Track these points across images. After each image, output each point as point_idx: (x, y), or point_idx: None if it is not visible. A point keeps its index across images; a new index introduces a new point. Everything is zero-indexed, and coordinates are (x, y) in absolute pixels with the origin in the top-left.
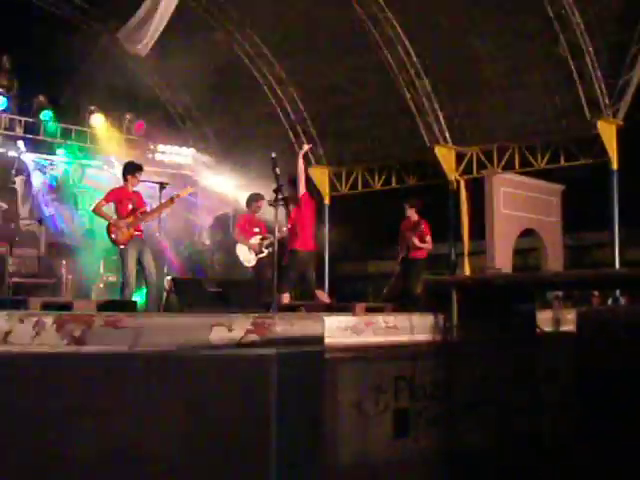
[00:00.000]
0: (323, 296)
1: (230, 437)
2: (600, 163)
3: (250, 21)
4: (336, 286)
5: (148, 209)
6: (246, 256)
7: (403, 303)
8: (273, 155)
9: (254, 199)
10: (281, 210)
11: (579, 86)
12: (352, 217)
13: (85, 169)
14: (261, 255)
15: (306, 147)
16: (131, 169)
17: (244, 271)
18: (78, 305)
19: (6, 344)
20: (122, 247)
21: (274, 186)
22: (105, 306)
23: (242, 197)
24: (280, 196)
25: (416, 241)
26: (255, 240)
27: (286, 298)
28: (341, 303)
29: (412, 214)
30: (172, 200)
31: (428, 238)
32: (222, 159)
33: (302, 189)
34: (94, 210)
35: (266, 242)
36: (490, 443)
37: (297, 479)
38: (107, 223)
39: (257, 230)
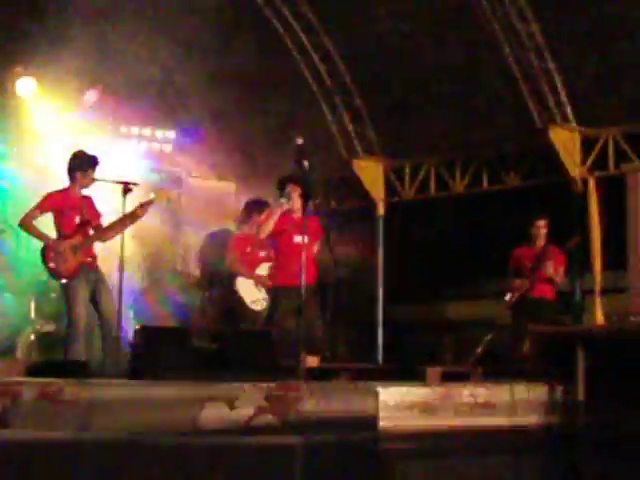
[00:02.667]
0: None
1: None
2: None
3: None
4: (396, 339)
5: (104, 223)
6: (252, 295)
7: (505, 368)
8: (299, 141)
9: (256, 209)
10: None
11: None
12: (420, 235)
13: (6, 161)
14: None
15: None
16: (81, 163)
17: (251, 317)
18: None
19: None
20: (66, 281)
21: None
22: (39, 369)
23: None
24: (310, 204)
25: (550, 267)
26: (264, 269)
27: (314, 361)
28: (404, 366)
29: (541, 234)
30: (142, 209)
31: (562, 271)
32: (220, 146)
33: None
34: (22, 224)
35: None
36: None
37: None
38: (42, 245)
39: (264, 254)
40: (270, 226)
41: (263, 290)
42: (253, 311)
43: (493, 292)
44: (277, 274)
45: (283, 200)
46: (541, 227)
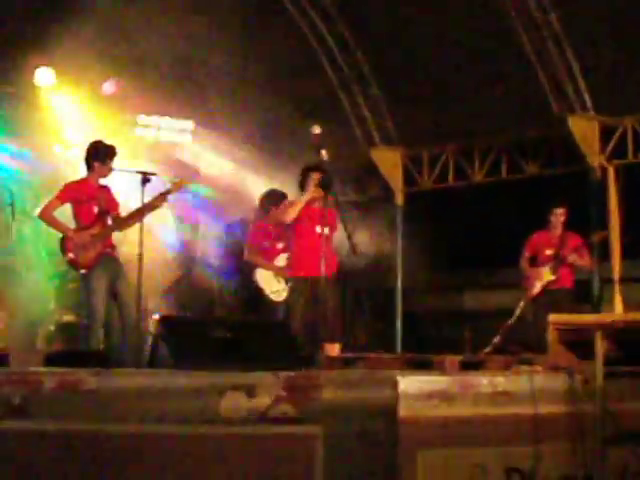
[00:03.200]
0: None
1: None
2: None
3: None
4: (414, 329)
5: (122, 213)
6: (272, 285)
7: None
8: (317, 130)
9: (274, 199)
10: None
11: None
12: (438, 225)
13: (24, 149)
14: None
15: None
16: (99, 153)
17: (271, 308)
18: (17, 357)
19: None
20: (85, 271)
21: (316, 177)
22: (58, 358)
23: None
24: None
25: (574, 256)
26: (282, 260)
27: (334, 349)
28: (423, 355)
29: (559, 222)
30: (160, 199)
31: (588, 257)
32: (238, 136)
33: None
34: (42, 215)
35: None
36: None
37: None
38: (61, 236)
39: (281, 246)
40: (296, 211)
41: (283, 281)
42: (273, 301)
43: (511, 282)
44: (297, 264)
45: (312, 188)
46: (560, 215)
